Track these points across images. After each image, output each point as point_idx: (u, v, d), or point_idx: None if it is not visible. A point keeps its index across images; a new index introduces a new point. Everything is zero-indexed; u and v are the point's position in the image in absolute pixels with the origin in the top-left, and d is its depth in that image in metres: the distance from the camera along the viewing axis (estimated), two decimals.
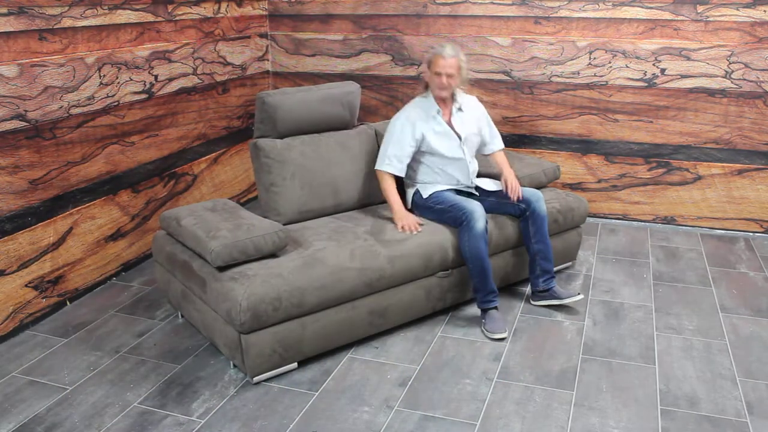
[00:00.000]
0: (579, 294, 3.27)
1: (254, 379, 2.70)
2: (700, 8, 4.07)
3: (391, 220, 3.24)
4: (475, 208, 3.07)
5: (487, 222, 3.08)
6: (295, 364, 2.80)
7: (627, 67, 4.29)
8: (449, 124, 3.30)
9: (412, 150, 3.25)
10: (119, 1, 3.53)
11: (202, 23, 4.24)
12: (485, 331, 3.08)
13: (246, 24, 4.71)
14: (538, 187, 3.70)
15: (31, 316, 3.19)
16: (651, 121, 4.35)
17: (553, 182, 3.84)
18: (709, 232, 4.41)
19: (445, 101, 3.31)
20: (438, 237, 3.11)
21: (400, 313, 3.06)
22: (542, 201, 3.27)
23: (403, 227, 3.11)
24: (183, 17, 4.04)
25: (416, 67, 4.72)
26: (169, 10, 3.92)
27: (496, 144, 3.51)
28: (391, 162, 3.24)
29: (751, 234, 4.34)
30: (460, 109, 3.32)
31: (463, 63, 3.21)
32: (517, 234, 3.34)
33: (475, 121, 3.38)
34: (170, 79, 3.99)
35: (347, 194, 3.37)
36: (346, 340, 2.92)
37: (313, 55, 4.95)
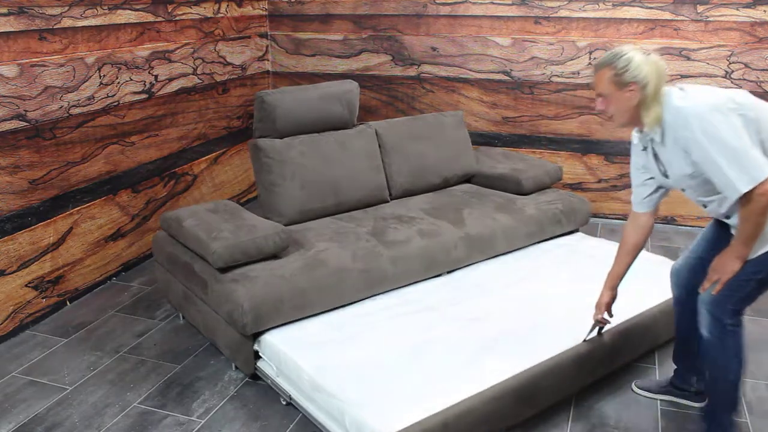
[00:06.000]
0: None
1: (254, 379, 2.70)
2: (700, 8, 4.07)
3: (393, 219, 3.23)
4: (673, 271, 2.49)
5: (694, 289, 2.31)
6: None
7: None
8: (656, 157, 2.23)
9: (644, 186, 2.34)
10: (119, 1, 3.53)
11: (202, 23, 4.23)
12: None
13: (246, 24, 4.71)
14: (541, 188, 3.69)
15: (31, 316, 3.19)
16: None
17: (554, 183, 3.84)
18: None
19: (641, 128, 2.21)
20: (440, 237, 3.10)
21: None
22: (705, 317, 2.26)
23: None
24: (183, 17, 4.04)
25: (416, 67, 4.72)
26: (169, 10, 3.92)
27: (728, 192, 2.03)
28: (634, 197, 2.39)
29: None
30: (653, 140, 2.18)
31: (620, 67, 2.15)
32: None
33: (682, 157, 2.10)
34: (170, 79, 3.99)
35: (348, 193, 3.36)
36: None
37: (313, 55, 4.94)
